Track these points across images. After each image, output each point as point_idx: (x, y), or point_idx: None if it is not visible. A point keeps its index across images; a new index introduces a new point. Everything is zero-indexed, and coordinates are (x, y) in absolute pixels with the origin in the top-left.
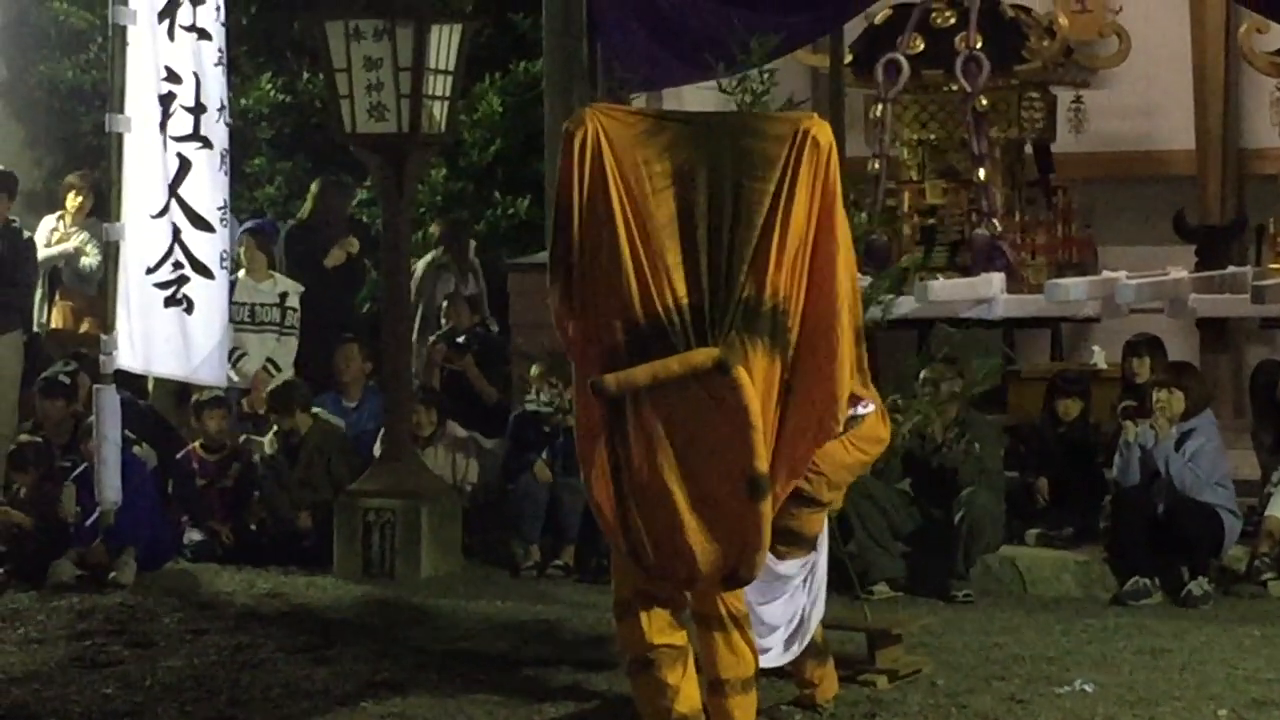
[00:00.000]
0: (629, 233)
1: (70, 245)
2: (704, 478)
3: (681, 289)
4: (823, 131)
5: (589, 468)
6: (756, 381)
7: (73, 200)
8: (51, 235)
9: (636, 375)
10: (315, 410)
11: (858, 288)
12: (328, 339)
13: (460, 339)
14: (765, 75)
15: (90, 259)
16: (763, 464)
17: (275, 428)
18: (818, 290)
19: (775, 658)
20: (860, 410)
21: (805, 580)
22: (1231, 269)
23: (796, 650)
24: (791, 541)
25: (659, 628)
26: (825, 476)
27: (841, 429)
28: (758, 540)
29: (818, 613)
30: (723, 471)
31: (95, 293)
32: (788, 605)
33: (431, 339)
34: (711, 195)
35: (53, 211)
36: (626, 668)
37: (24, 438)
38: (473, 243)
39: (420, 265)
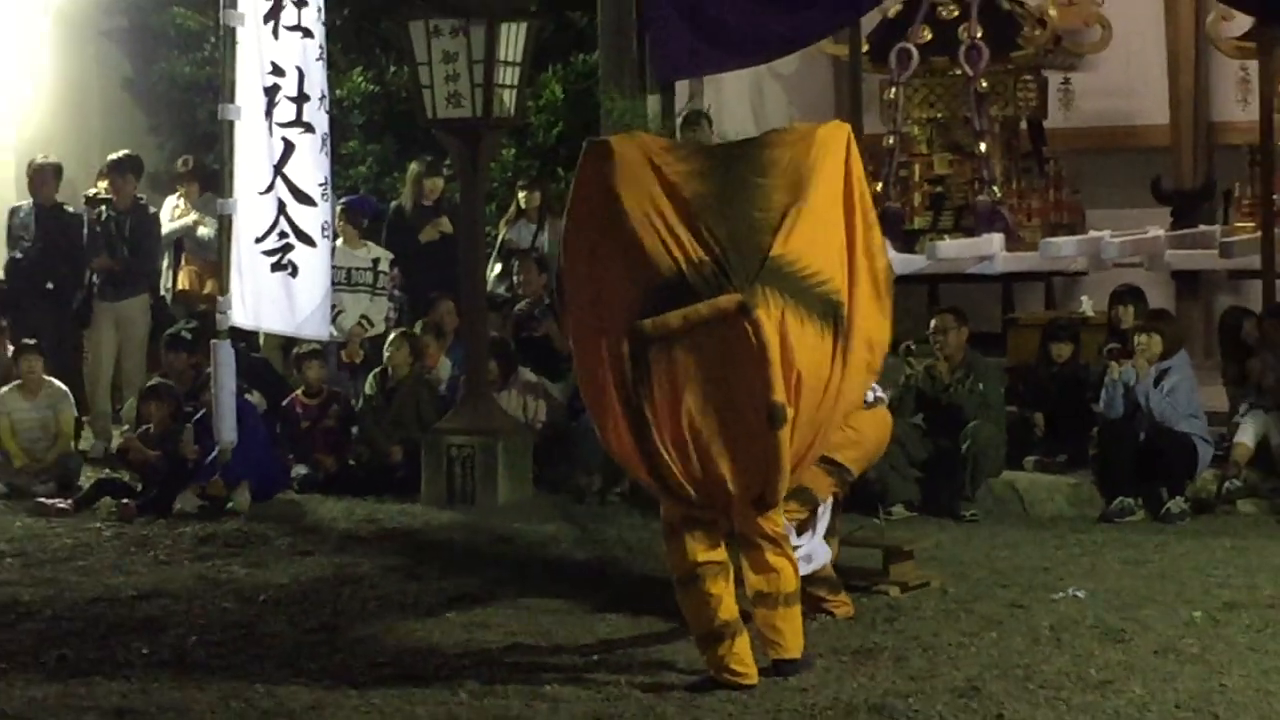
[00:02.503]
0: (652, 222)
1: (189, 219)
2: (731, 411)
3: (701, 251)
4: (839, 134)
5: (605, 426)
6: (777, 329)
7: (185, 187)
8: (174, 212)
9: (670, 319)
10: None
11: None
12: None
13: (536, 311)
14: None
15: (207, 229)
16: (779, 395)
17: (373, 372)
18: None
19: None
20: (881, 394)
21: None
22: (1202, 228)
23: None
24: (801, 498)
25: (702, 546)
26: (866, 450)
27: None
28: (778, 464)
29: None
30: (746, 404)
31: (215, 258)
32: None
33: (517, 308)
34: (727, 187)
35: (173, 191)
36: (675, 583)
37: (155, 380)
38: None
39: (502, 225)
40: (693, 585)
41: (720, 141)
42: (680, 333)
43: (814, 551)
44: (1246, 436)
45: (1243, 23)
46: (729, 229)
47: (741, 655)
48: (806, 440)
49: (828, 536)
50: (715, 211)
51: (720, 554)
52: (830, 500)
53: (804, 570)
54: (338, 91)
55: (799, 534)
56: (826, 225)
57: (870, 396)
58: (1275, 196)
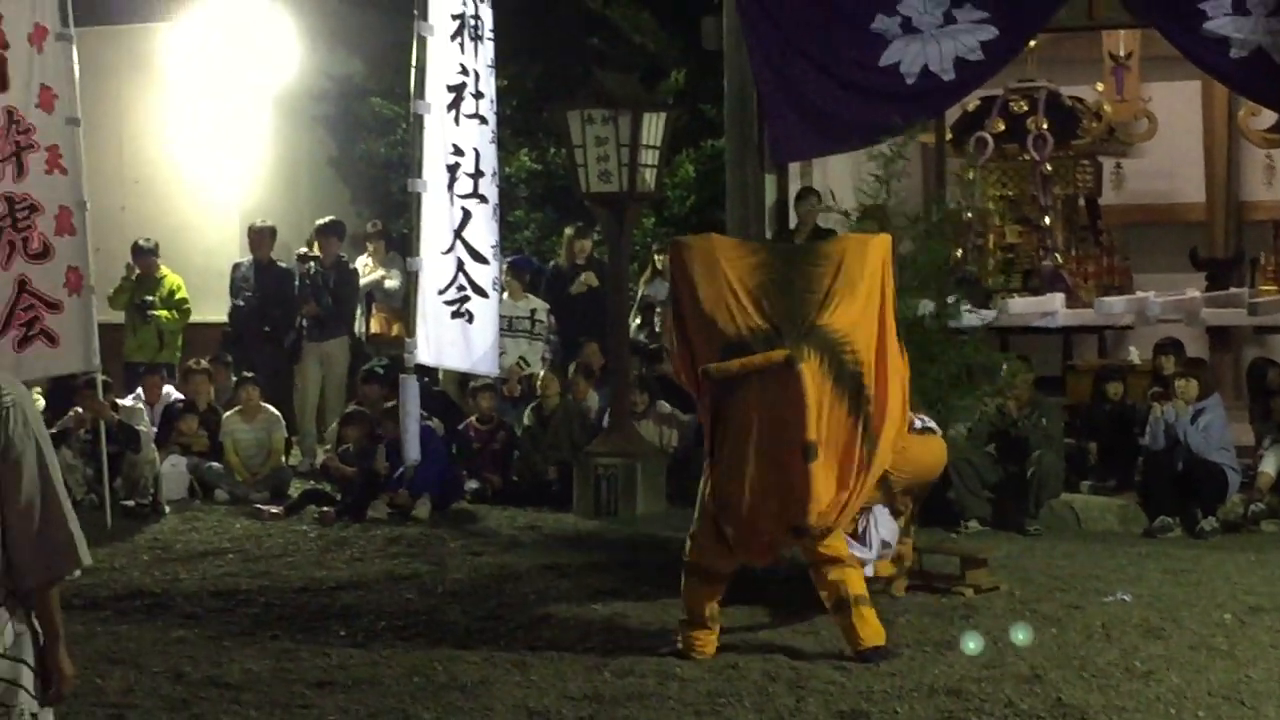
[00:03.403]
0: (724, 299)
1: (379, 273)
2: (776, 446)
3: (761, 321)
4: (879, 243)
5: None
6: (814, 381)
7: (374, 244)
8: (364, 269)
9: (730, 365)
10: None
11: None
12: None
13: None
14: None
15: (393, 282)
16: (813, 434)
17: (532, 404)
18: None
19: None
20: (930, 423)
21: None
22: (1232, 290)
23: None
24: None
25: (716, 571)
26: (913, 468)
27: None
28: (806, 493)
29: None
30: (788, 440)
31: (400, 306)
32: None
33: (652, 347)
34: (786, 275)
35: (364, 250)
36: (685, 568)
37: (352, 407)
38: None
39: (641, 282)
40: (695, 576)
41: (775, 241)
42: (738, 377)
43: (870, 554)
44: (1269, 466)
45: (1269, 117)
46: (786, 305)
47: (699, 641)
48: (839, 476)
49: (903, 538)
50: (775, 293)
51: (713, 601)
52: (883, 507)
53: (868, 572)
54: (507, 169)
55: (859, 542)
56: (864, 312)
57: (918, 424)
58: None
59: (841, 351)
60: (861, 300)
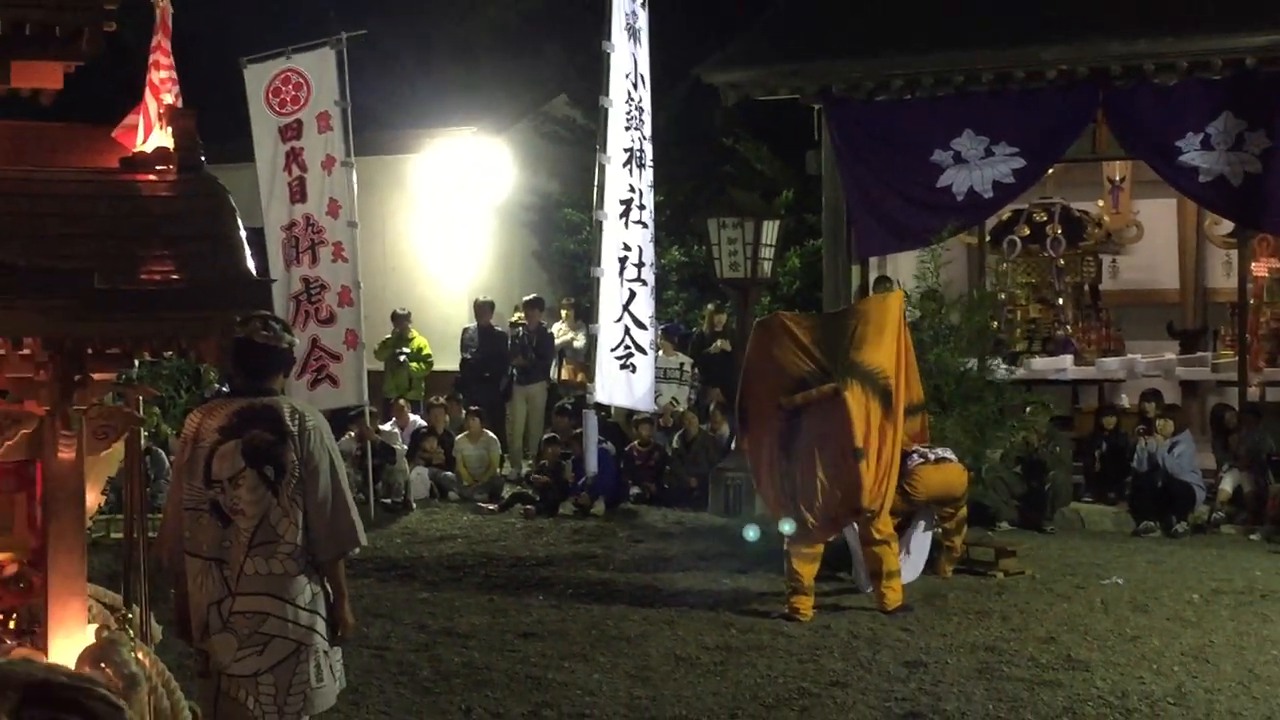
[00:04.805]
0: (790, 353)
1: (568, 336)
2: (833, 452)
3: (812, 366)
4: (895, 297)
5: (759, 478)
6: (856, 402)
7: (565, 314)
8: (559, 332)
9: (797, 397)
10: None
11: (911, 383)
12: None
13: None
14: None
15: (579, 342)
16: (859, 442)
17: (678, 432)
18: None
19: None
20: (946, 454)
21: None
22: (1199, 353)
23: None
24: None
25: (804, 566)
26: (929, 488)
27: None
28: (859, 484)
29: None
30: (841, 448)
31: (583, 360)
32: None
33: None
34: (832, 331)
35: (558, 318)
36: (786, 552)
37: (548, 434)
38: None
39: None
40: (797, 557)
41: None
42: (803, 406)
43: (914, 556)
44: (1227, 485)
45: (1227, 226)
46: (830, 350)
47: (801, 605)
48: (877, 468)
49: (953, 537)
50: (823, 343)
51: (811, 574)
52: (919, 519)
53: (906, 576)
54: (662, 260)
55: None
56: (890, 346)
57: (933, 456)
58: (1246, 336)
59: (877, 377)
60: (887, 338)
